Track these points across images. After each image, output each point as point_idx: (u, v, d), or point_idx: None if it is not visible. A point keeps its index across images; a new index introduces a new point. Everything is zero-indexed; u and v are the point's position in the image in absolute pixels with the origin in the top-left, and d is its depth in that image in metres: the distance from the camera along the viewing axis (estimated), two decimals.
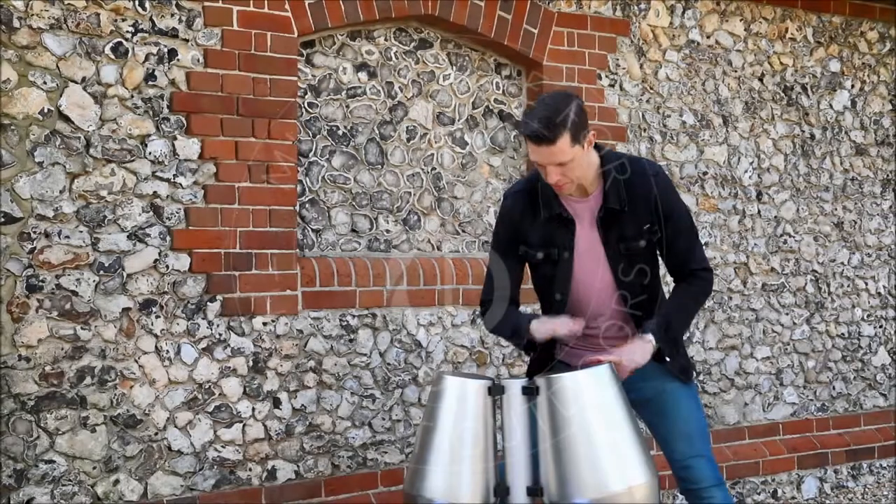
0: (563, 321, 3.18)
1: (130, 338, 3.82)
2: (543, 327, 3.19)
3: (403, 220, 4.57)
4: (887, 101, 5.98)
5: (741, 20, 5.42)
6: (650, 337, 3.13)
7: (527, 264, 3.37)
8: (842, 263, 5.78)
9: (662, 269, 3.36)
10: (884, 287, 5.93)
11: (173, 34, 3.91)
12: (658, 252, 3.29)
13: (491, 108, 4.82)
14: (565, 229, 3.23)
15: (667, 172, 5.10)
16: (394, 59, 4.56)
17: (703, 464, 3.25)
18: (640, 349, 3.12)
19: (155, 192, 3.88)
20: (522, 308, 3.41)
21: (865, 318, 5.87)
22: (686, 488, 3.28)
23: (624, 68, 5.02)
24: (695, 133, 5.26)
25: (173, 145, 3.91)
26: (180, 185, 3.92)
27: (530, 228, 3.28)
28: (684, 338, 3.51)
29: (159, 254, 3.88)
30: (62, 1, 3.70)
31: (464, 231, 4.73)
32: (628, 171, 3.20)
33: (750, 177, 5.43)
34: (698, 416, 3.32)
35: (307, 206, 4.34)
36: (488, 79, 4.82)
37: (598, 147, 3.24)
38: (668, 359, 3.22)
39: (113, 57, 3.80)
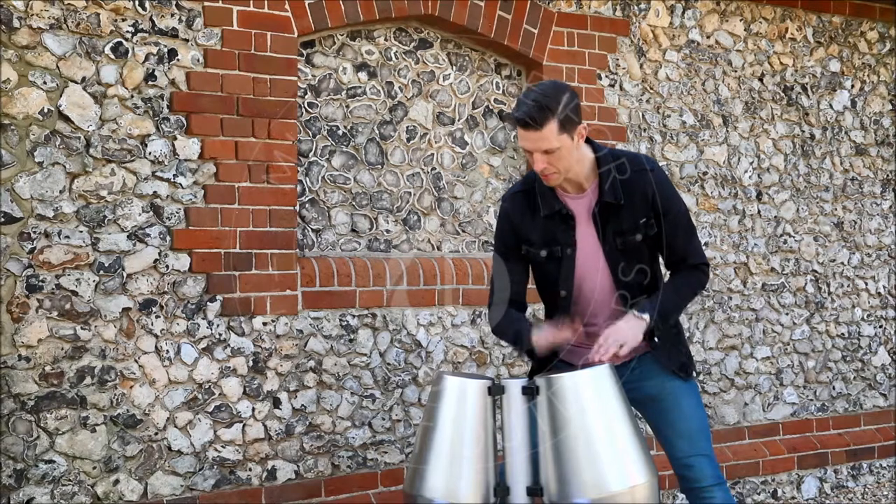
0: (556, 331, 3.17)
1: (130, 338, 3.82)
2: (544, 338, 3.18)
3: (403, 220, 4.57)
4: (887, 101, 5.97)
5: (741, 20, 5.42)
6: (646, 315, 3.12)
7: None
8: (842, 263, 5.77)
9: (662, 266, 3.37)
10: (884, 287, 5.93)
11: (173, 34, 3.91)
12: (657, 247, 3.29)
13: (491, 108, 4.82)
14: (565, 225, 3.23)
15: (667, 172, 5.14)
16: (394, 59, 4.56)
17: (704, 462, 3.25)
18: (632, 327, 3.10)
19: (155, 192, 3.88)
20: (529, 308, 3.40)
21: (865, 318, 5.87)
22: (687, 487, 3.28)
23: (624, 68, 5.02)
24: (695, 133, 5.26)
25: (173, 145, 3.91)
26: (180, 185, 3.92)
27: (531, 228, 3.27)
28: (685, 335, 3.50)
29: (159, 254, 3.88)
30: (62, 1, 3.70)
31: (464, 231, 4.73)
32: (626, 166, 3.19)
33: (750, 177, 5.43)
34: (699, 415, 3.32)
35: (307, 206, 4.34)
36: (488, 79, 4.82)
37: (592, 143, 3.24)
38: (656, 339, 3.20)
39: (113, 57, 3.80)
